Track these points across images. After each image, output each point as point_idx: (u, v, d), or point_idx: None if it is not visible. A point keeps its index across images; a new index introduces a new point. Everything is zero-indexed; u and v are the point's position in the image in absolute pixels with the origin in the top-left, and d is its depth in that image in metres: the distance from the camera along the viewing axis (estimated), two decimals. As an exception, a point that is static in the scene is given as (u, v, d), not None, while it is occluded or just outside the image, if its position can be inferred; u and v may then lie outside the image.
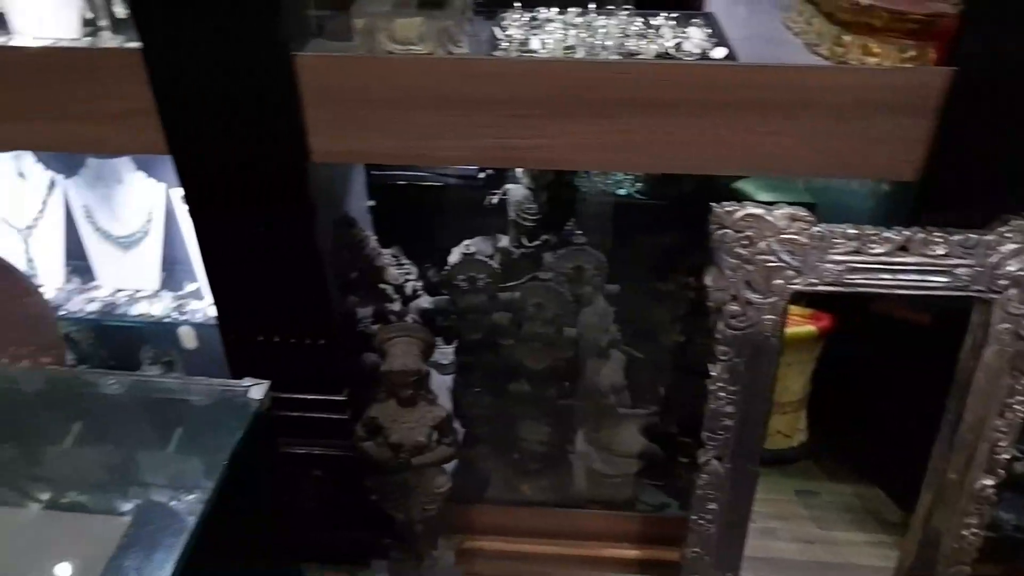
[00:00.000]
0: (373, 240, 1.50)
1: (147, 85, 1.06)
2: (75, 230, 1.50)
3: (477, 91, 1.04)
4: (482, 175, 1.67)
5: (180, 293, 1.50)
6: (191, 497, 0.78)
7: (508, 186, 1.59)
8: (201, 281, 1.50)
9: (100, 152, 1.37)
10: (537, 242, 1.55)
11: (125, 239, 1.48)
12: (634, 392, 1.60)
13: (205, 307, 1.47)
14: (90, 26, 1.23)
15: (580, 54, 1.13)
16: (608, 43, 1.16)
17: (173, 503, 0.77)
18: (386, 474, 1.30)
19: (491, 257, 1.52)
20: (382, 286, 1.53)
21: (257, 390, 0.91)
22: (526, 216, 1.55)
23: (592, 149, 1.06)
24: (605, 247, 1.50)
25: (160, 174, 1.44)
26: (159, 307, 1.46)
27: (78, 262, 1.54)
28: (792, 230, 1.03)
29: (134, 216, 1.46)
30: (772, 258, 1.04)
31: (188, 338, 1.40)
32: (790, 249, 1.04)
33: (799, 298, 1.11)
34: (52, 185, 1.47)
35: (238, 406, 0.88)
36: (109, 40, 1.20)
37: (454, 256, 1.53)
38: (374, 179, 1.66)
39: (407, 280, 1.59)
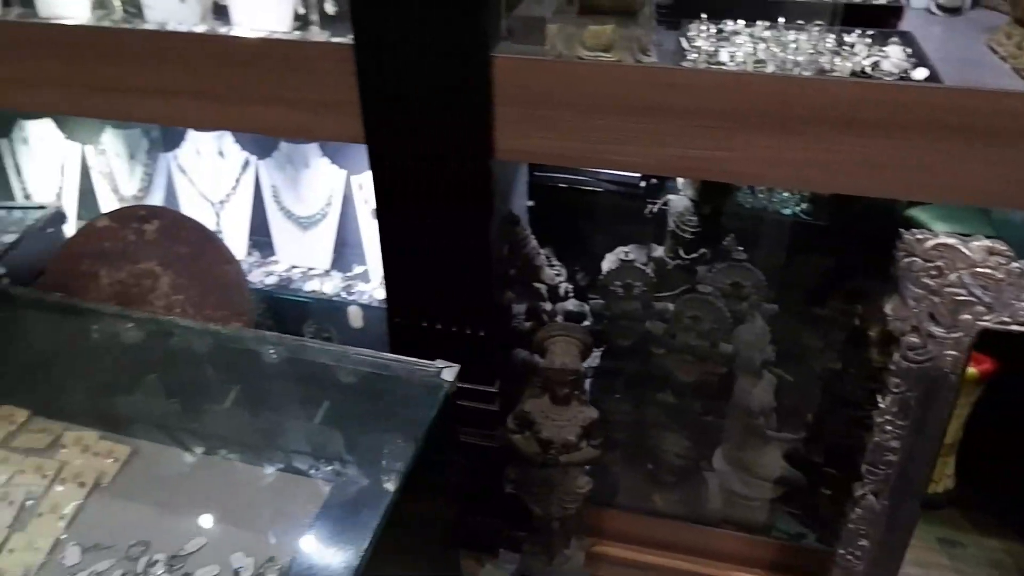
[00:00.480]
0: (533, 240, 1.54)
1: (354, 77, 1.14)
2: (261, 207, 1.62)
3: (666, 100, 1.05)
4: (643, 184, 1.68)
5: (349, 274, 1.59)
6: (389, 467, 0.83)
7: (670, 197, 1.59)
8: (369, 264, 1.59)
9: (304, 137, 1.47)
10: (694, 255, 1.54)
11: (305, 219, 1.58)
12: (781, 416, 1.56)
13: (371, 289, 1.55)
14: (299, 21, 1.33)
15: (770, 68, 1.12)
16: (799, 59, 1.14)
17: (372, 472, 0.83)
18: (530, 468, 1.33)
19: (644, 266, 1.52)
20: (536, 285, 1.56)
21: (449, 372, 0.95)
22: (685, 228, 1.54)
23: (780, 165, 1.05)
24: (764, 265, 1.47)
25: (342, 162, 1.54)
26: (329, 285, 1.56)
27: (259, 237, 1.66)
28: (988, 264, 0.98)
29: (316, 199, 1.56)
30: (962, 291, 1.00)
31: (356, 318, 1.48)
32: (983, 284, 0.99)
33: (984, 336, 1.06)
34: (246, 165, 1.60)
35: (431, 386, 0.93)
36: (317, 35, 1.29)
37: (608, 262, 1.55)
38: (535, 180, 1.69)
39: (559, 281, 1.62)
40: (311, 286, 1.57)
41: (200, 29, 1.29)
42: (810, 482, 1.57)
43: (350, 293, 1.54)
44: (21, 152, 1.72)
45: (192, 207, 1.64)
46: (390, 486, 0.80)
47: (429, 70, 1.10)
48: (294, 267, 1.62)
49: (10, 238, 1.39)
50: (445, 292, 1.30)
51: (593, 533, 1.60)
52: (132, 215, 1.35)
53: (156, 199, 1.67)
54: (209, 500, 0.96)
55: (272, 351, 1.07)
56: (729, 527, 1.61)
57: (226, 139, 1.59)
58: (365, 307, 1.51)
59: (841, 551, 1.24)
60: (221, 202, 1.63)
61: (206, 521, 0.93)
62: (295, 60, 1.19)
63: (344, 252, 1.62)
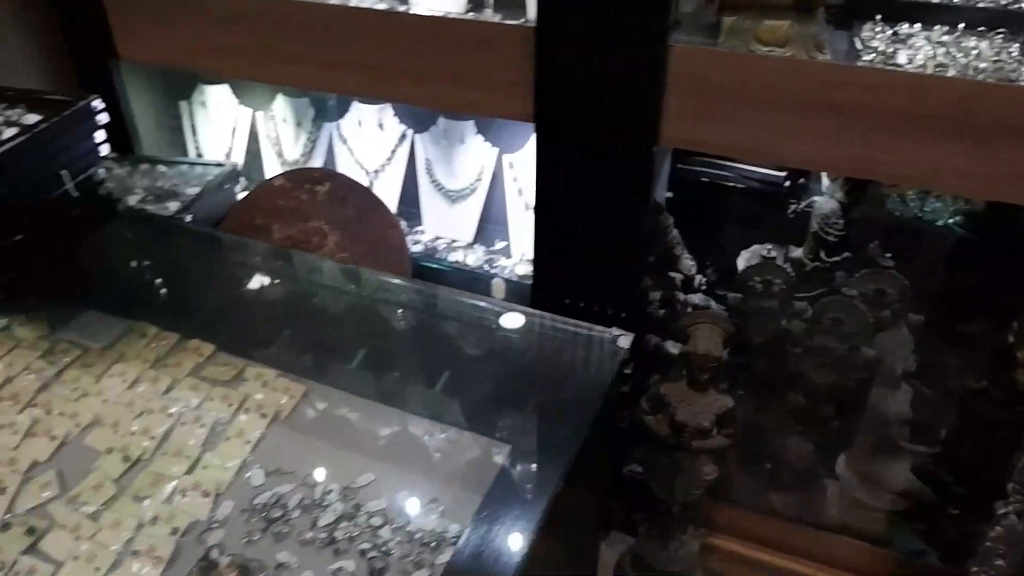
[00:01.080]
0: (675, 230, 1.56)
1: (531, 59, 1.20)
2: (412, 179, 1.71)
3: (842, 98, 1.06)
4: (787, 183, 1.67)
5: (491, 249, 1.66)
6: (567, 430, 0.87)
7: (815, 198, 1.58)
8: (511, 240, 1.64)
9: (473, 113, 1.53)
10: (836, 258, 1.52)
11: (454, 193, 1.66)
12: (914, 429, 1.54)
13: (512, 265, 1.61)
14: (472, 3, 1.39)
15: (951, 73, 1.10)
16: (982, 64, 1.12)
17: (551, 434, 0.87)
18: (658, 451, 1.36)
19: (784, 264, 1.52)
20: (672, 274, 1.58)
21: (625, 340, 0.99)
22: (829, 230, 1.53)
23: (953, 172, 1.04)
24: (910, 275, 1.45)
25: (495, 140, 1.60)
26: (472, 258, 1.63)
27: (408, 208, 1.75)
28: None
29: (466, 174, 1.63)
30: None
31: (499, 290, 1.54)
32: None
33: None
34: (403, 137, 1.68)
35: (605, 352, 0.98)
36: (491, 16, 1.35)
37: (745, 258, 1.56)
38: (677, 172, 1.71)
39: (694, 273, 1.63)
40: (454, 257, 1.64)
41: (381, 7, 1.37)
42: (938, 499, 1.54)
43: (492, 267, 1.61)
44: (198, 114, 1.86)
45: (348, 174, 1.73)
46: (566, 453, 0.84)
47: (607, 55, 1.14)
48: (438, 238, 1.70)
49: (193, 191, 1.51)
50: (592, 271, 1.34)
51: (707, 524, 1.61)
52: (306, 176, 1.45)
53: (316, 164, 1.78)
54: (377, 444, 1.03)
55: (449, 308, 1.13)
56: (848, 535, 1.60)
57: (387, 112, 1.68)
58: (505, 282, 1.57)
59: (975, 569, 1.22)
60: (376, 171, 1.72)
61: (374, 461, 1.00)
62: (473, 40, 1.25)
63: (487, 227, 1.69)
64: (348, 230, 1.40)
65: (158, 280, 1.28)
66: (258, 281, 1.29)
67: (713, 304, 1.57)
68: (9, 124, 1.08)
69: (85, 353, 1.18)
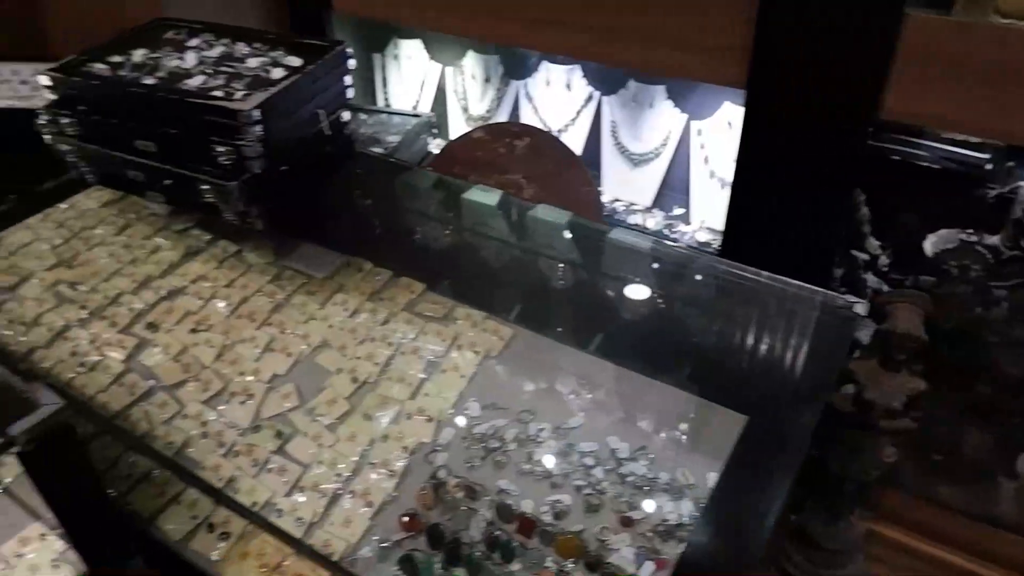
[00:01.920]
0: (865, 208, 1.52)
1: (750, 24, 1.19)
2: (593, 140, 1.74)
3: (1097, 76, 1.01)
4: (990, 167, 1.59)
5: (669, 214, 1.67)
6: (807, 403, 0.88)
7: (1022, 183, 1.50)
8: (693, 207, 1.65)
9: (683, 77, 1.53)
10: (1041, 247, 1.45)
11: (637, 157, 1.68)
12: (1112, 433, 1.45)
13: (692, 231, 1.62)
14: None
15: None
16: None
17: (791, 406, 0.88)
18: (840, 427, 1.35)
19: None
20: (856, 253, 1.55)
21: (861, 307, 0.99)
22: (1036, 218, 1.45)
23: None
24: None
25: (685, 106, 1.60)
26: (651, 222, 1.65)
27: (588, 169, 1.78)
28: None
29: (652, 138, 1.64)
30: None
31: (681, 255, 1.56)
32: None
33: None
34: (589, 99, 1.71)
35: (839, 319, 0.98)
36: (703, -21, 1.35)
37: (932, 242, 1.50)
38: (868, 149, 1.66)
39: (880, 253, 1.59)
40: (633, 220, 1.67)
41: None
42: None
43: (672, 232, 1.62)
44: (390, 67, 1.95)
45: (533, 132, 1.79)
46: (810, 422, 0.84)
47: (835, 20, 1.12)
48: (617, 200, 1.73)
49: (393, 139, 1.60)
50: (788, 245, 1.34)
51: (872, 508, 1.59)
52: (506, 131, 1.50)
53: (500, 120, 1.83)
54: (585, 391, 1.07)
55: (674, 266, 1.14)
56: (1020, 534, 1.54)
57: (575, 73, 1.71)
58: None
59: None
60: (559, 130, 1.76)
61: (583, 405, 1.05)
62: (689, 3, 1.26)
63: (667, 193, 1.70)
64: (546, 184, 1.44)
65: (375, 218, 1.37)
66: (463, 224, 1.34)
67: (884, 287, 1.53)
68: (276, 65, 1.17)
69: (308, 281, 1.29)
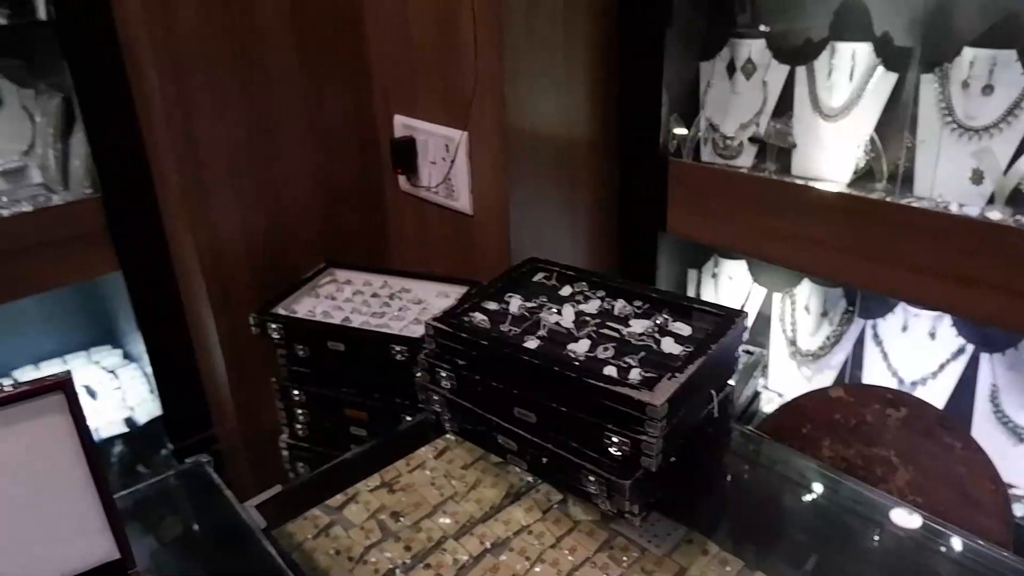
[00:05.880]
0: None
1: None
2: (961, 403, 1.48)
3: None
4: None
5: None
6: None
7: None
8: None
9: None
10: None
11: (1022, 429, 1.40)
12: None
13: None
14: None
15: None
16: None
17: None
18: None
19: None
20: None
21: None
22: None
23: None
24: None
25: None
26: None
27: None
28: None
29: None
30: None
31: None
32: None
33: None
34: (959, 352, 1.47)
35: None
36: None
37: None
38: None
39: None
40: (1019, 510, 1.36)
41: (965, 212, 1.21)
42: None
43: None
44: (706, 284, 1.84)
45: (873, 381, 1.57)
46: None
47: None
48: (1011, 486, 1.44)
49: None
50: None
51: None
52: (875, 395, 1.30)
53: (834, 361, 1.64)
54: None
55: None
56: None
57: (943, 321, 1.49)
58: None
59: None
60: (913, 383, 1.53)
61: None
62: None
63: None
64: (927, 471, 1.21)
65: (724, 492, 1.21)
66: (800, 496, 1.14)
67: None
68: (664, 332, 1.07)
69: (643, 555, 1.12)
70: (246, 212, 1.74)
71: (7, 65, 1.79)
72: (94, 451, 0.96)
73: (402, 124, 1.77)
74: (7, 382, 2.13)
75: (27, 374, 2.19)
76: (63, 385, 0.84)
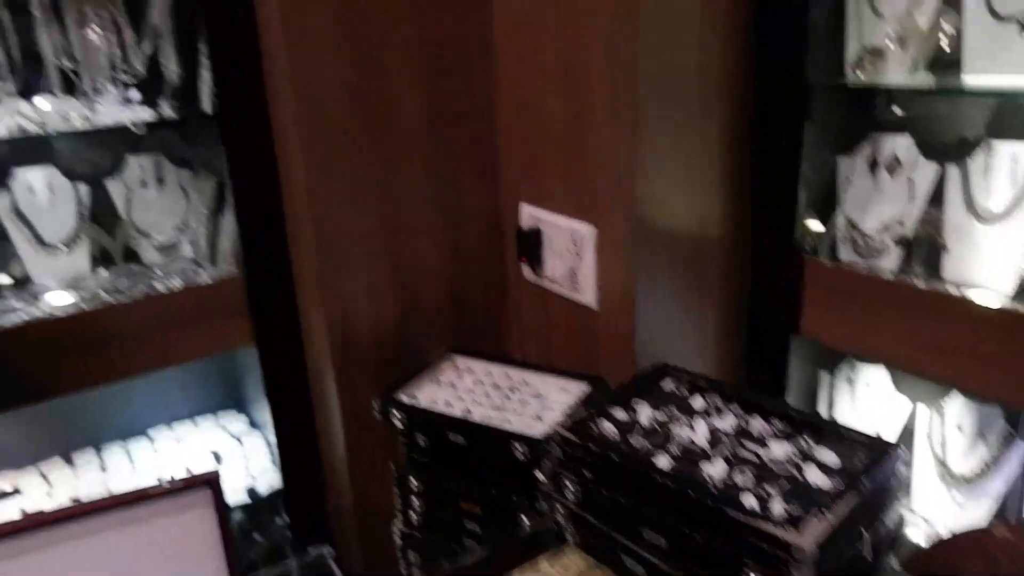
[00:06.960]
0: None
1: None
2: None
3: None
4: None
5: None
6: None
7: None
8: None
9: None
10: None
11: None
12: None
13: None
14: None
15: None
16: None
17: None
18: None
19: None
20: None
21: None
22: None
23: None
24: None
25: None
26: None
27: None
28: None
29: None
30: None
31: None
32: None
33: None
34: None
35: None
36: None
37: None
38: None
39: None
40: None
41: None
42: None
43: None
44: (841, 388, 1.73)
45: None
46: None
47: None
48: None
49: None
50: None
51: None
52: (1046, 539, 1.16)
53: (991, 486, 1.48)
54: None
55: None
56: None
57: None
58: None
59: None
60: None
61: None
62: None
63: None
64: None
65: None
66: None
67: None
68: (807, 459, 0.99)
69: None
70: (375, 296, 1.78)
71: (172, 149, 1.94)
72: (233, 545, 0.98)
73: (529, 214, 1.78)
74: (144, 445, 2.26)
75: (161, 433, 2.30)
76: (211, 482, 0.86)
